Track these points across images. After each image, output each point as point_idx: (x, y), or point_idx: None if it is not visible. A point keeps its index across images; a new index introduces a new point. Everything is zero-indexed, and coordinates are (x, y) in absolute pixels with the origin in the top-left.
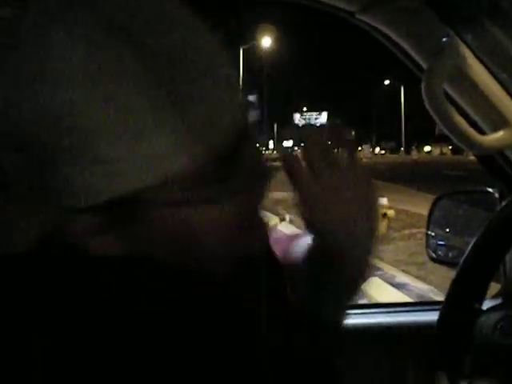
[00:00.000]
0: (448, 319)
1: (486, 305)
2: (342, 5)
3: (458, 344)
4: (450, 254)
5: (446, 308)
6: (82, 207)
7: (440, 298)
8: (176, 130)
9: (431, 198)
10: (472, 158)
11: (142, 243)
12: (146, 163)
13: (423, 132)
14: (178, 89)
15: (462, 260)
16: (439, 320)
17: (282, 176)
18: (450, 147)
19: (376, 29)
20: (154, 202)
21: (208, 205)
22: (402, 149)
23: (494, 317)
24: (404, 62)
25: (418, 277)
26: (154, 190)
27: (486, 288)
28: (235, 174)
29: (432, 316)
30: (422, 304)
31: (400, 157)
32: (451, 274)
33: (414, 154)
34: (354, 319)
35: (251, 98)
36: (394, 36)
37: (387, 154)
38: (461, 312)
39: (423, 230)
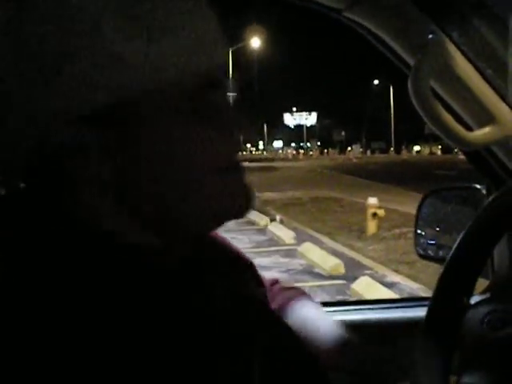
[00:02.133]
0: (436, 314)
1: (474, 300)
2: (328, 2)
3: (446, 339)
4: (440, 253)
5: (433, 303)
6: (84, 112)
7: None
8: (178, 43)
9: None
10: (462, 157)
11: (133, 159)
12: (148, 67)
13: (413, 132)
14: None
15: (449, 255)
16: (427, 315)
17: (271, 177)
18: (440, 147)
19: (363, 26)
20: (150, 107)
21: (195, 118)
22: (392, 149)
23: (482, 311)
24: (391, 60)
25: (408, 276)
26: (150, 95)
27: (473, 283)
28: (213, 102)
29: (421, 312)
30: (410, 300)
31: (390, 156)
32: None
33: (404, 154)
34: (342, 315)
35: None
36: (380, 33)
37: (377, 154)
38: (448, 307)
39: (413, 228)
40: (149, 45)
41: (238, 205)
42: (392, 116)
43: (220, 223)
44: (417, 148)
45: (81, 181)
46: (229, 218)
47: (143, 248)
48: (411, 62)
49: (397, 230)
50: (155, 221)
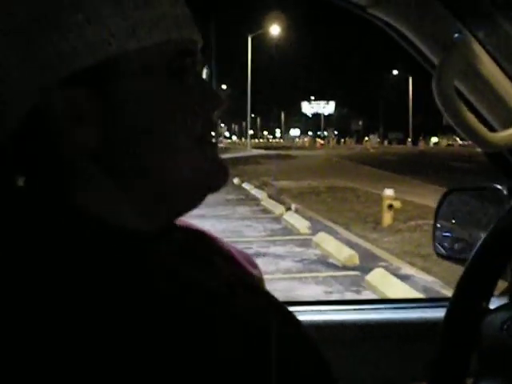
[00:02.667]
0: (455, 317)
1: (493, 303)
2: None
3: (465, 342)
4: (456, 247)
5: (452, 306)
6: (67, 74)
7: (445, 290)
8: (156, 11)
9: (438, 189)
10: (479, 149)
11: (117, 123)
12: (131, 30)
13: (431, 123)
14: None
15: (470, 257)
16: (446, 317)
17: (288, 165)
18: (458, 139)
19: (387, 23)
20: (129, 67)
21: (173, 83)
22: (410, 139)
23: (501, 317)
24: (415, 58)
25: (423, 269)
26: (131, 56)
27: (493, 287)
28: (190, 71)
29: (439, 313)
30: (430, 300)
31: (407, 148)
32: (456, 266)
33: (422, 145)
34: (357, 315)
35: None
36: (405, 31)
37: (394, 145)
38: (468, 310)
39: (429, 221)
40: (131, 10)
41: (216, 176)
42: (410, 107)
43: (200, 196)
44: (434, 139)
45: (70, 151)
46: (207, 190)
47: (133, 232)
48: (435, 60)
49: (412, 222)
50: (142, 196)
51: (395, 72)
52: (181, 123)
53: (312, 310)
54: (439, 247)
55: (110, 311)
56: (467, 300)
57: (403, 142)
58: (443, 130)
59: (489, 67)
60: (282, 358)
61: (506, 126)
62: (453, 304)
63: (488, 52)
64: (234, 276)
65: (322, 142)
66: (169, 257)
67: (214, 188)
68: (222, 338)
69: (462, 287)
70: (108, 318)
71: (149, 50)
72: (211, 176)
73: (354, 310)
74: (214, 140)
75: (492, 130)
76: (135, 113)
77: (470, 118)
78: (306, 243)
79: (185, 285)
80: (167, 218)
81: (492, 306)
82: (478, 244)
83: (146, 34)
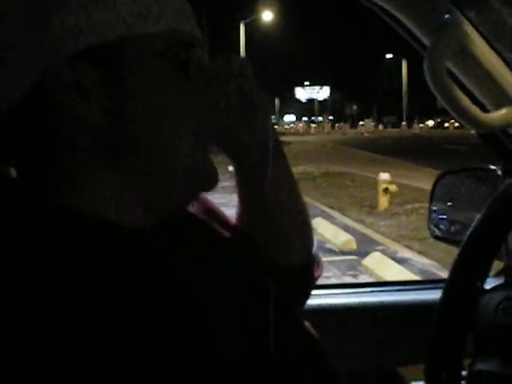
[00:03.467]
0: (450, 298)
1: (488, 283)
2: None
3: (461, 323)
4: (453, 228)
5: (448, 287)
6: (75, 51)
7: (442, 272)
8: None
9: (433, 172)
10: (473, 132)
11: (121, 105)
12: (139, 15)
13: (425, 106)
14: None
15: (464, 238)
16: (441, 298)
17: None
18: (452, 121)
19: (379, 6)
20: (133, 50)
21: (175, 74)
22: (404, 123)
23: (497, 297)
24: (407, 40)
25: (420, 252)
26: (138, 41)
27: (488, 267)
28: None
29: (436, 294)
30: (426, 282)
31: (402, 131)
32: (453, 248)
33: (416, 128)
34: (355, 298)
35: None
36: (396, 13)
37: (389, 129)
38: (463, 291)
39: (425, 204)
40: None
41: (210, 175)
42: (404, 90)
43: (195, 192)
44: (430, 123)
45: (70, 126)
46: (202, 188)
47: (129, 226)
48: (427, 42)
49: (408, 206)
50: (141, 187)
51: (389, 56)
52: (183, 116)
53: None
54: (435, 229)
55: (102, 304)
56: (463, 281)
57: (398, 125)
58: (437, 113)
59: (480, 47)
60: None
61: (498, 107)
62: (448, 285)
63: (479, 32)
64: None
65: (316, 126)
66: (164, 251)
67: (208, 188)
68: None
69: (457, 268)
70: (103, 313)
71: (155, 37)
72: (206, 174)
73: (352, 293)
74: (210, 143)
75: (485, 110)
76: (139, 100)
77: (463, 99)
78: None
79: (185, 281)
80: (162, 214)
81: (487, 287)
82: (473, 225)
83: (154, 19)
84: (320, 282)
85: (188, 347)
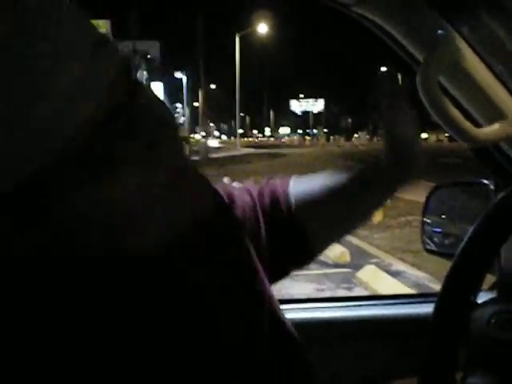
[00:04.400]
0: (443, 312)
1: (481, 297)
2: None
3: (453, 337)
4: (446, 242)
5: (441, 300)
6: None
7: (436, 285)
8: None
9: (428, 185)
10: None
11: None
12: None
13: (420, 119)
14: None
15: (457, 252)
16: (434, 312)
17: (279, 164)
18: (447, 134)
19: (372, 21)
20: (57, 184)
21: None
22: None
23: (489, 311)
24: (400, 55)
25: (414, 264)
26: (51, 170)
27: (481, 281)
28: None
29: (430, 308)
30: (420, 296)
31: None
32: (447, 262)
33: None
34: (349, 311)
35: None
36: (389, 28)
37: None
38: (456, 305)
39: (419, 217)
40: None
41: None
42: None
43: None
44: (424, 135)
45: None
46: None
47: None
48: (420, 57)
49: (402, 219)
50: None
51: (384, 69)
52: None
53: (304, 308)
54: (429, 242)
55: None
56: (455, 294)
57: None
58: (432, 126)
59: (473, 62)
60: None
61: (490, 122)
62: (441, 299)
63: (472, 47)
64: None
65: (310, 139)
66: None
67: None
68: None
69: (449, 282)
70: None
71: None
72: None
73: (346, 306)
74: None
75: (477, 125)
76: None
77: (455, 113)
78: None
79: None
80: None
81: (480, 301)
82: (465, 239)
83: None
84: (314, 295)
85: (189, 343)
